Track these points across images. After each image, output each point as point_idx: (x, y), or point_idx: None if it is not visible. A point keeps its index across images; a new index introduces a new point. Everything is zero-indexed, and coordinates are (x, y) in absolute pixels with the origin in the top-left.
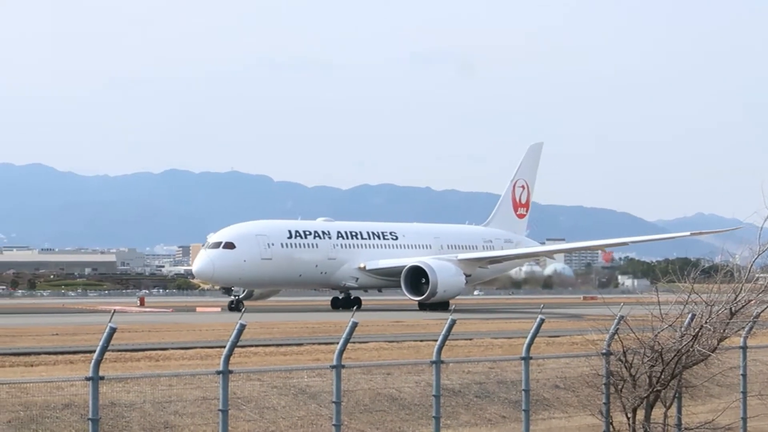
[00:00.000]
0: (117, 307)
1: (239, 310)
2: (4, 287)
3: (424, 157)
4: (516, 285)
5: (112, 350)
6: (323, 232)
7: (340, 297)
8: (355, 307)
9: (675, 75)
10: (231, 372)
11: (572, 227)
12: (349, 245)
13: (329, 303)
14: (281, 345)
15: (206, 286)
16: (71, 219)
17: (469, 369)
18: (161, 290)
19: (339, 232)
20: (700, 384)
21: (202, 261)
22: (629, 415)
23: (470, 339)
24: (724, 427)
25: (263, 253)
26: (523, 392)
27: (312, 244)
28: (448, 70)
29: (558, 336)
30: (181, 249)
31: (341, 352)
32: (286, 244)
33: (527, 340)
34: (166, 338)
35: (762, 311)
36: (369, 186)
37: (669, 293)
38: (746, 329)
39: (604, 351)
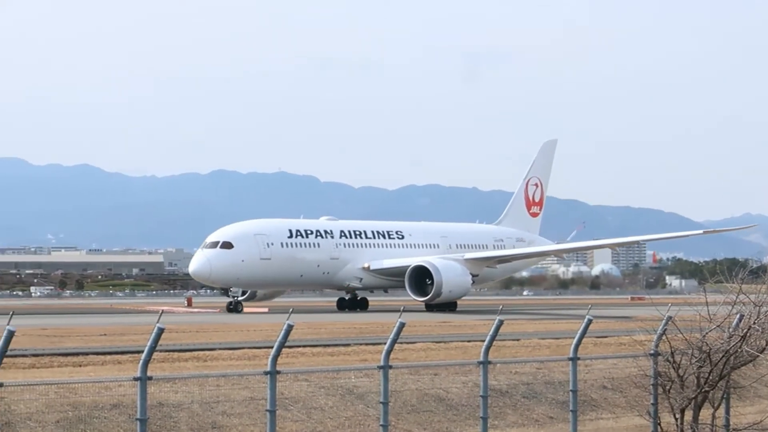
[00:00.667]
0: (165, 308)
1: (238, 312)
2: (52, 288)
3: (471, 158)
4: (563, 285)
5: (160, 350)
6: (325, 231)
7: (347, 298)
8: (360, 308)
9: (720, 71)
10: (279, 372)
11: (620, 227)
12: (353, 244)
13: (335, 304)
14: (328, 345)
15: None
16: (119, 220)
17: (516, 369)
18: (208, 291)
19: (342, 231)
20: (748, 385)
21: (198, 261)
22: (677, 415)
23: (517, 340)
24: None
25: (262, 253)
26: (570, 393)
27: (314, 244)
28: (498, 69)
29: (605, 336)
30: None
31: (389, 352)
32: (287, 244)
33: (575, 341)
34: (213, 338)
35: None
36: (416, 186)
37: (717, 294)
38: None
39: (651, 352)
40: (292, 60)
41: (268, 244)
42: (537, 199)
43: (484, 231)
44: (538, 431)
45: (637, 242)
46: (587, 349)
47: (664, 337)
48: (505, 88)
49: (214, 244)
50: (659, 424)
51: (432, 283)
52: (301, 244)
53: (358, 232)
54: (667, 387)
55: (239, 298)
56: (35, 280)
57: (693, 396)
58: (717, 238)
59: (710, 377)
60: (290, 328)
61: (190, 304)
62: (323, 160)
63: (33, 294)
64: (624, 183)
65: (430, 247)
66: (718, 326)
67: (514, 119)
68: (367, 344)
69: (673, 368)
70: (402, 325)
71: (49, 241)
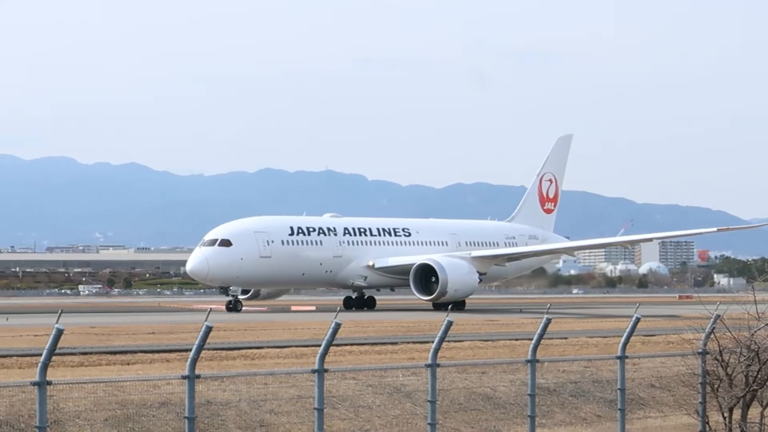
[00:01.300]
0: (213, 306)
1: (237, 311)
2: (100, 286)
3: (518, 156)
4: (611, 283)
5: (208, 349)
6: (328, 229)
7: (354, 297)
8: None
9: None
10: (326, 371)
11: (668, 226)
12: (357, 242)
13: (341, 302)
14: (376, 344)
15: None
16: (167, 218)
17: (564, 368)
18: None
19: (346, 229)
20: None
21: (196, 259)
22: (725, 414)
23: (565, 338)
24: None
25: (262, 251)
26: (618, 391)
27: (316, 241)
28: (545, 66)
29: (653, 335)
30: None
31: (436, 350)
32: (288, 242)
33: (623, 340)
34: (261, 337)
35: None
36: (463, 185)
37: (766, 292)
38: None
39: (700, 350)
40: (338, 59)
41: (268, 241)
42: (551, 195)
43: (495, 228)
44: (586, 430)
45: (650, 239)
46: (635, 347)
47: (712, 336)
48: (555, 86)
49: (213, 242)
50: (707, 422)
51: (437, 282)
52: (302, 241)
53: (362, 230)
54: (716, 386)
55: (243, 297)
56: (83, 279)
57: (741, 395)
58: (766, 235)
59: (759, 376)
60: (338, 326)
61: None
62: (370, 158)
63: (81, 292)
64: (672, 180)
65: (439, 244)
66: (767, 324)
67: (562, 117)
68: (414, 342)
69: (722, 367)
70: (450, 324)
71: (97, 239)
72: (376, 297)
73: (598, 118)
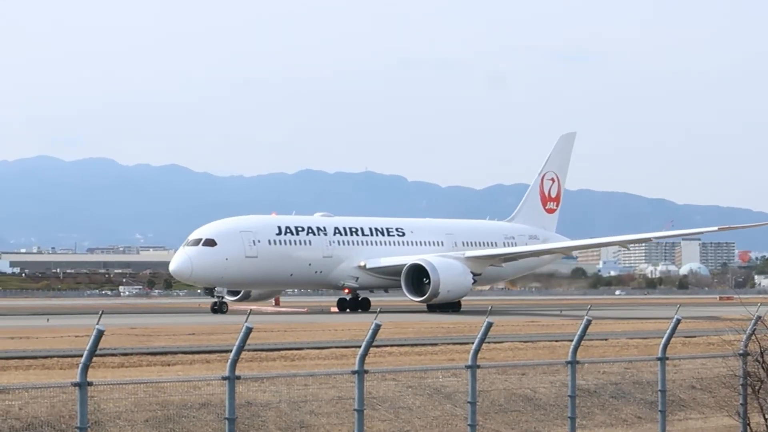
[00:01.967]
0: (252, 307)
1: (222, 312)
2: (140, 287)
3: None
4: (651, 285)
5: (248, 350)
6: (318, 228)
7: (348, 298)
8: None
9: None
10: (366, 372)
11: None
12: (348, 242)
13: (335, 304)
14: (415, 345)
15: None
16: (207, 219)
17: (604, 369)
18: (295, 290)
19: (336, 228)
20: None
21: (179, 259)
22: (767, 416)
23: (605, 339)
24: None
25: (248, 251)
26: (659, 393)
27: (305, 241)
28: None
29: (694, 336)
30: None
31: (476, 352)
32: (275, 241)
33: (663, 341)
34: (301, 338)
35: None
36: (503, 186)
37: None
38: None
39: (741, 351)
40: (378, 60)
41: (254, 241)
42: (554, 195)
43: (493, 228)
44: (627, 431)
45: (649, 239)
46: (676, 349)
47: (753, 337)
48: (593, 86)
49: (197, 242)
50: (748, 424)
51: (429, 283)
52: (291, 241)
53: (354, 229)
54: (757, 387)
55: (233, 299)
56: (124, 280)
57: None
58: None
59: None
60: (378, 327)
61: (277, 304)
62: (410, 159)
63: (122, 293)
64: (712, 182)
65: (434, 244)
66: None
67: (602, 118)
68: (454, 344)
69: (763, 368)
70: (490, 325)
71: (137, 240)
72: (369, 298)
73: (646, 116)
